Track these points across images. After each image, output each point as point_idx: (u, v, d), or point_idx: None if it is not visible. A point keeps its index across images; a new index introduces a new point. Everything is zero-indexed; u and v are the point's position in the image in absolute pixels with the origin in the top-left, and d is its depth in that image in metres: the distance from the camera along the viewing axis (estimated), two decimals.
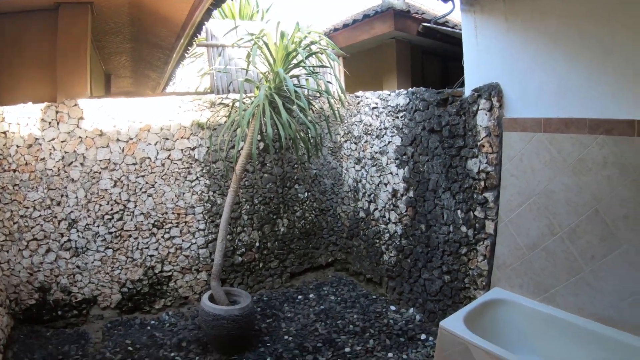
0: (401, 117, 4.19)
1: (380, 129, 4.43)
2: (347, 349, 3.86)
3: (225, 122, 4.15)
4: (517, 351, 3.45)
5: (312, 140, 4.14)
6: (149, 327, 4.13)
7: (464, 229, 3.79)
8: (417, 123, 4.03)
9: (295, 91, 3.50)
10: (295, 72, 3.97)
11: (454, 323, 3.23)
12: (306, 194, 4.89)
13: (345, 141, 4.95)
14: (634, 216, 2.90)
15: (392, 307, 4.54)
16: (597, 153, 2.99)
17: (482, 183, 3.59)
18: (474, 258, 3.78)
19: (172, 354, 3.73)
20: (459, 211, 3.80)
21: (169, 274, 4.37)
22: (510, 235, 3.54)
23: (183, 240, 4.38)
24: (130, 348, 3.77)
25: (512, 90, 3.44)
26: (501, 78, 3.48)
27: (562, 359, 3.32)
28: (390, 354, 3.80)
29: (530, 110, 3.33)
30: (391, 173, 4.40)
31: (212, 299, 3.78)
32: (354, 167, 4.89)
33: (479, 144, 3.55)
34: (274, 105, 3.61)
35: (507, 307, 3.56)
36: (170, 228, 4.31)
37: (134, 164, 4.09)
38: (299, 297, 4.76)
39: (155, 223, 4.23)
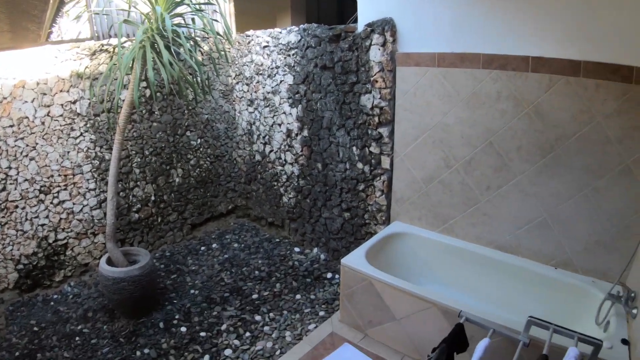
0: (293, 55, 3.88)
1: (272, 68, 4.10)
2: (255, 296, 3.68)
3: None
4: (420, 282, 3.46)
5: (200, 84, 3.76)
6: (52, 303, 3.69)
7: (360, 165, 3.66)
8: (310, 60, 3.75)
9: (175, 30, 3.11)
10: (181, 9, 3.48)
11: (355, 259, 3.14)
12: (199, 140, 4.49)
13: (237, 83, 4.56)
14: (527, 148, 2.91)
15: (296, 249, 4.39)
16: (491, 87, 2.93)
17: (376, 119, 3.44)
18: (372, 194, 3.67)
19: (80, 327, 3.37)
20: (354, 148, 3.65)
21: (64, 241, 3.88)
22: (406, 170, 3.46)
23: (74, 204, 3.87)
24: (36, 329, 3.36)
25: (405, 25, 3.25)
26: (395, 13, 3.27)
27: (463, 286, 3.38)
28: (298, 296, 3.68)
29: (425, 45, 3.17)
30: (285, 113, 4.12)
31: (110, 262, 3.40)
32: (247, 109, 4.55)
33: (372, 79, 3.36)
34: (156, 48, 3.15)
35: (408, 240, 3.52)
36: (58, 192, 3.77)
37: (10, 126, 3.46)
38: (202, 248, 4.47)
39: (42, 188, 3.68)
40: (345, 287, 3.16)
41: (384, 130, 3.43)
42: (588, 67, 2.59)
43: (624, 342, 2.44)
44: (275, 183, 4.48)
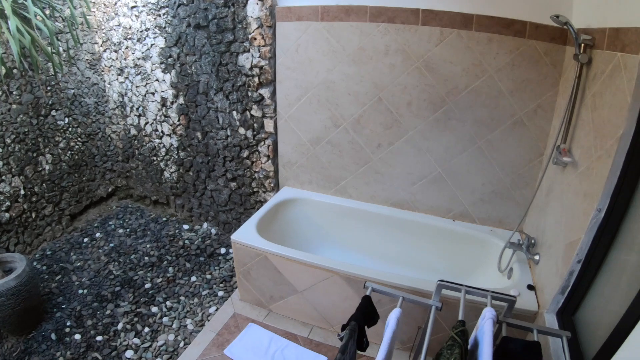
0: (163, 14, 3.35)
1: (142, 31, 3.53)
2: (148, 285, 3.24)
3: None
4: (318, 248, 3.25)
5: (63, 55, 3.14)
6: None
7: (242, 130, 3.29)
8: (182, 19, 3.25)
9: None
10: None
11: (246, 234, 2.81)
12: (67, 119, 3.79)
13: (105, 50, 3.89)
14: (418, 103, 2.76)
15: (185, 226, 3.96)
16: (379, 41, 2.69)
17: (257, 79, 3.06)
18: (257, 160, 3.34)
19: None
20: (234, 112, 3.26)
21: None
22: (292, 132, 3.17)
23: None
24: None
25: None
26: None
27: (363, 247, 3.22)
28: (193, 278, 3.31)
29: None
30: (157, 80, 3.59)
31: None
32: (117, 79, 3.93)
33: (250, 36, 2.96)
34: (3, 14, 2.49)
35: (300, 206, 3.26)
36: None
37: None
38: (85, 239, 3.86)
39: None
40: (240, 264, 2.85)
41: (265, 92, 3.08)
42: (480, 21, 2.47)
43: (530, 287, 2.46)
44: (155, 158, 3.97)
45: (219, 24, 3.04)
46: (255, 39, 2.93)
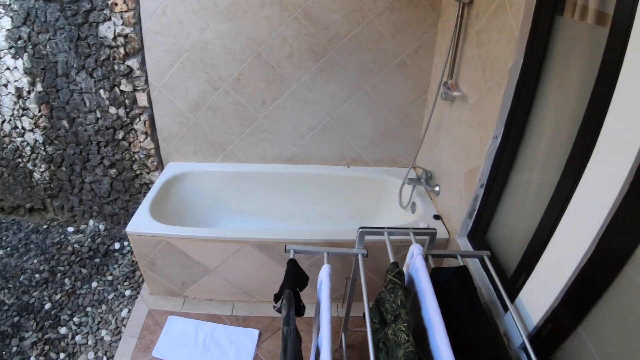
0: None
1: None
2: (48, 305, 2.83)
3: None
4: (217, 219, 3.09)
5: None
6: None
7: (113, 110, 2.94)
8: None
9: None
10: None
11: (141, 223, 2.52)
12: None
13: None
14: (299, 54, 2.64)
15: (70, 229, 3.52)
16: None
17: (122, 50, 2.71)
18: (134, 140, 3.03)
19: None
20: (101, 91, 2.89)
21: None
22: (168, 102, 2.88)
23: None
24: None
25: None
26: None
27: (266, 210, 3.11)
28: (94, 284, 2.95)
29: None
30: (8, 69, 3.04)
31: None
32: None
33: (110, 2, 2.59)
34: None
35: (190, 180, 3.03)
36: None
37: None
38: None
39: None
40: (142, 256, 2.58)
41: (133, 62, 2.74)
42: None
43: (436, 217, 2.58)
44: (20, 159, 3.42)
45: None
46: (116, 4, 2.57)
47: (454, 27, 2.22)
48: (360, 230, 1.70)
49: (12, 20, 2.85)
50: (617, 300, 1.26)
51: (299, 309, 1.53)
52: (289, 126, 2.90)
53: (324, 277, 1.51)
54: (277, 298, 1.59)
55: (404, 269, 1.66)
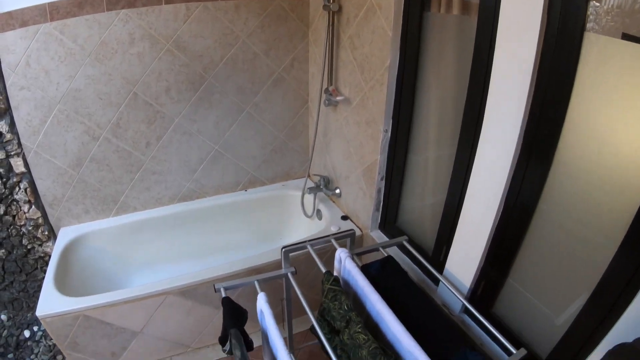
0: None
1: None
2: None
3: None
4: (128, 277, 3.02)
5: None
6: None
7: None
8: None
9: None
10: None
11: (50, 303, 2.35)
12: None
13: None
14: (176, 87, 2.68)
15: None
16: (121, 31, 2.46)
17: None
18: (18, 211, 2.85)
19: None
20: None
21: None
22: (47, 162, 2.74)
23: None
24: None
25: None
26: None
27: (170, 255, 3.09)
28: None
29: None
30: None
31: None
32: None
33: None
34: None
35: (87, 243, 2.91)
36: None
37: None
38: None
39: None
40: (61, 338, 2.43)
41: (1, 125, 2.58)
42: None
43: (344, 218, 2.74)
44: None
45: None
46: None
47: (325, 35, 2.40)
48: (283, 250, 1.79)
49: None
50: (533, 243, 1.52)
51: (249, 345, 1.57)
52: (179, 163, 2.91)
53: (263, 305, 1.58)
54: (223, 340, 1.62)
55: (335, 274, 1.79)
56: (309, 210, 2.93)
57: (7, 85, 2.49)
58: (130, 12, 2.43)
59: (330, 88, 2.51)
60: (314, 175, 3.01)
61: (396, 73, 2.03)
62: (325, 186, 2.86)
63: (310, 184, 2.98)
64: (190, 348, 2.65)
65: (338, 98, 2.45)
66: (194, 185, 3.03)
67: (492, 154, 1.47)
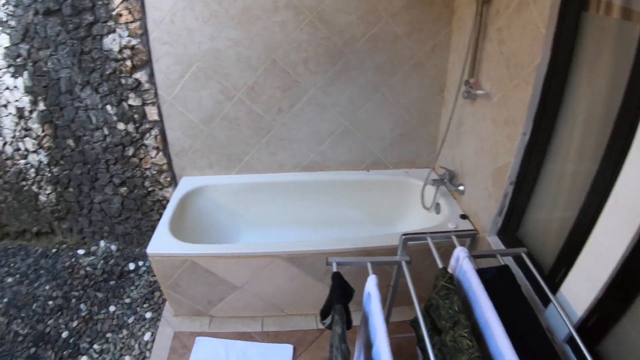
0: (3, 5, 2.91)
1: None
2: (65, 334, 2.94)
3: None
4: (238, 232, 3.26)
5: None
6: None
7: (121, 125, 3.09)
8: (27, 8, 2.88)
9: None
10: None
11: (162, 244, 2.64)
12: None
13: None
14: (315, 58, 2.80)
15: (80, 251, 3.68)
16: None
17: (129, 62, 2.85)
18: (145, 156, 3.18)
19: None
20: (108, 106, 3.04)
21: None
22: (180, 115, 3.03)
23: None
24: None
25: None
26: None
27: (283, 219, 3.27)
28: (112, 307, 3.08)
29: None
30: (8, 88, 3.19)
31: None
32: None
33: (114, 13, 2.72)
34: None
35: (207, 194, 3.19)
36: None
37: None
38: None
39: None
40: (165, 278, 2.71)
41: (141, 75, 2.89)
42: None
43: (463, 217, 2.72)
44: (24, 182, 3.57)
45: (74, 5, 2.74)
46: (120, 15, 2.71)
47: (472, 24, 2.37)
48: (403, 237, 1.85)
49: (10, 38, 2.98)
50: None
51: (349, 323, 1.63)
52: (307, 133, 3.05)
53: (372, 288, 1.64)
54: (324, 314, 1.70)
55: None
56: (428, 202, 2.95)
57: (150, 39, 2.77)
58: None
59: (471, 80, 2.49)
60: (440, 167, 3.01)
61: (544, 73, 1.95)
62: (449, 180, 2.85)
63: (434, 175, 2.99)
64: (283, 313, 2.81)
65: (478, 92, 2.41)
66: (319, 157, 3.17)
67: (638, 177, 1.39)
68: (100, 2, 2.70)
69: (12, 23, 2.92)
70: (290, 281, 2.61)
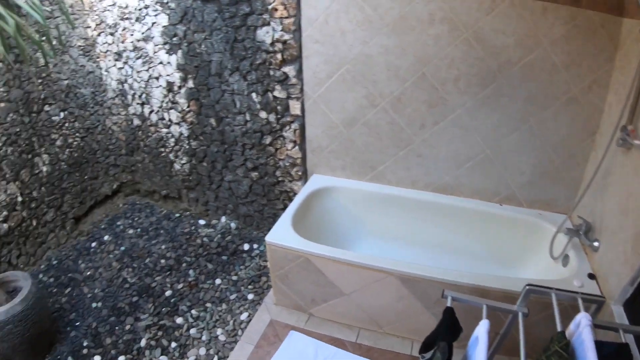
0: None
1: (140, 9, 3.40)
2: (168, 292, 3.21)
3: None
4: (356, 239, 3.27)
5: (54, 40, 3.14)
6: None
7: (263, 114, 3.25)
8: None
9: None
10: None
11: (282, 234, 2.77)
12: (62, 114, 3.68)
13: (99, 34, 3.75)
14: (466, 78, 2.72)
15: (201, 222, 3.95)
16: (422, 9, 2.60)
17: (279, 56, 2.99)
18: (282, 147, 3.31)
19: None
20: (254, 94, 3.21)
21: None
22: (322, 113, 3.12)
23: None
24: None
25: None
26: None
27: (407, 238, 3.23)
28: (217, 281, 3.29)
29: None
30: (162, 63, 3.51)
31: None
32: (114, 65, 3.81)
33: (270, 7, 2.88)
34: None
35: (334, 195, 3.25)
36: None
37: None
38: (93, 244, 3.80)
39: None
40: (276, 267, 2.83)
41: (289, 69, 3.01)
42: None
43: (591, 276, 2.51)
44: (163, 149, 3.92)
45: None
46: (276, 9, 2.85)
47: (638, 64, 2.15)
48: (527, 288, 1.77)
49: (169, 18, 3.27)
50: None
51: None
52: (446, 154, 2.99)
53: (482, 334, 1.59)
54: (426, 347, 1.68)
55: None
56: (557, 252, 2.75)
57: (302, 36, 2.88)
58: None
59: (629, 127, 2.27)
60: (578, 216, 2.78)
61: None
62: (584, 233, 2.63)
63: (569, 224, 2.82)
64: (381, 330, 2.79)
65: (635, 141, 2.20)
66: (453, 181, 3.09)
67: None
68: None
69: (172, 5, 3.19)
70: (397, 300, 2.60)
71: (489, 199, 3.09)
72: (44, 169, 3.58)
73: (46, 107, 3.52)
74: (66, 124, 3.71)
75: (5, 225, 3.29)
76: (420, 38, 2.67)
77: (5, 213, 3.28)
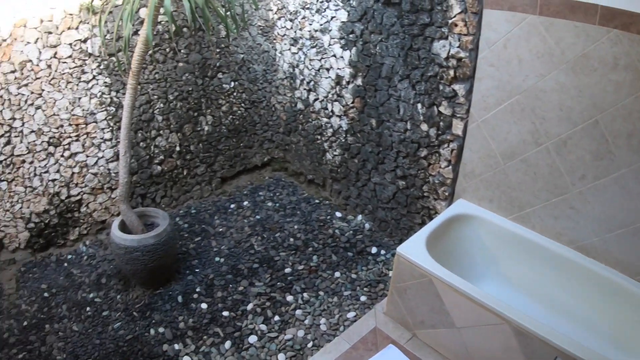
0: None
1: (322, 2, 3.65)
2: (288, 269, 3.46)
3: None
4: (482, 274, 3.21)
5: (237, 17, 3.47)
6: (66, 264, 3.56)
7: (425, 127, 3.29)
8: None
9: None
10: None
11: (414, 250, 2.81)
12: (232, 83, 4.13)
13: (279, 18, 4.11)
14: (639, 134, 2.47)
15: (338, 214, 4.13)
16: (607, 51, 2.43)
17: (452, 72, 3.01)
18: (435, 163, 3.33)
19: (92, 295, 3.25)
20: (419, 105, 3.26)
21: (78, 197, 3.70)
22: (483, 139, 3.08)
23: (87, 156, 3.65)
24: (46, 294, 3.26)
25: None
26: None
27: (533, 290, 3.09)
28: (337, 274, 3.45)
29: None
30: (335, 56, 3.72)
31: (124, 225, 3.19)
32: (289, 49, 4.13)
33: (450, 22, 2.91)
34: None
35: (474, 225, 3.21)
36: (69, 143, 3.54)
37: (12, 72, 3.18)
38: (232, 205, 4.22)
39: (51, 140, 3.45)
40: (398, 280, 2.89)
41: (459, 88, 3.02)
42: None
43: None
44: (319, 137, 4.17)
45: (414, 3, 3.02)
46: (456, 25, 2.87)
47: None
48: None
49: (349, 15, 3.44)
50: None
51: None
52: (600, 213, 2.77)
53: None
54: None
55: None
56: None
57: (478, 57, 2.86)
58: (622, 35, 2.34)
59: None
60: None
61: None
62: None
63: None
64: None
65: None
66: (600, 245, 2.85)
67: None
68: (439, 7, 2.89)
69: (354, 3, 3.36)
70: (503, 351, 2.53)
71: (632, 275, 2.80)
72: (206, 128, 4.08)
73: (219, 75, 4.00)
74: (234, 93, 4.16)
75: (159, 168, 3.87)
76: (600, 82, 2.50)
77: (161, 157, 3.88)
